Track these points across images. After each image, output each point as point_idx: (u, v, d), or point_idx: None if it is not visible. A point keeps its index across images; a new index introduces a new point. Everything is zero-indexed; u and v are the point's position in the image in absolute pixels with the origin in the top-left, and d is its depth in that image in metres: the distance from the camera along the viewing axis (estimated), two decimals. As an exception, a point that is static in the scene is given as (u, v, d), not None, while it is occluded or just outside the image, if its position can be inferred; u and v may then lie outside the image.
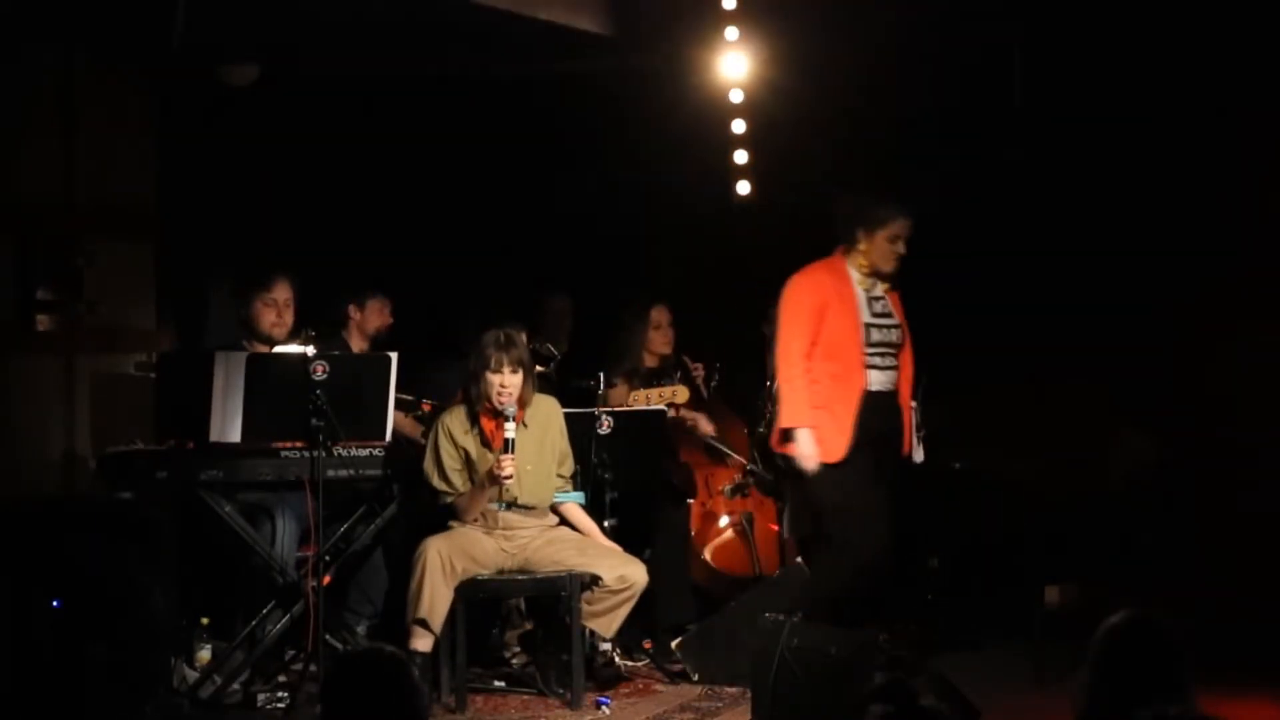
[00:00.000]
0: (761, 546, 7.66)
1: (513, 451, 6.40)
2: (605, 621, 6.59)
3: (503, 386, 6.49)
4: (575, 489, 6.84)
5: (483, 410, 6.57)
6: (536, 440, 6.66)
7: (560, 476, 6.77)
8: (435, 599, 6.37)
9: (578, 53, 7.86)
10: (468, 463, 6.58)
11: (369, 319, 7.65)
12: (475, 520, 6.61)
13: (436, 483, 6.59)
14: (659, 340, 7.82)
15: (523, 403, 6.57)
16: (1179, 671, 3.63)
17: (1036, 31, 7.97)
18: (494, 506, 6.61)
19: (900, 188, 7.04)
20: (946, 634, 7.48)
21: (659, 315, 7.82)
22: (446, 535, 6.54)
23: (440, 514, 6.66)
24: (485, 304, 8.04)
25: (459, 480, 6.58)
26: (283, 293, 7.00)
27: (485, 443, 6.57)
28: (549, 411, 6.76)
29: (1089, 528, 7.82)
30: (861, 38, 7.95)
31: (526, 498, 6.64)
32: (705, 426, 7.77)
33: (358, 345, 7.55)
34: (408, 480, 6.74)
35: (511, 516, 6.65)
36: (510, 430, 6.42)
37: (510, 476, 6.43)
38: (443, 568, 6.38)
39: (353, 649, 6.36)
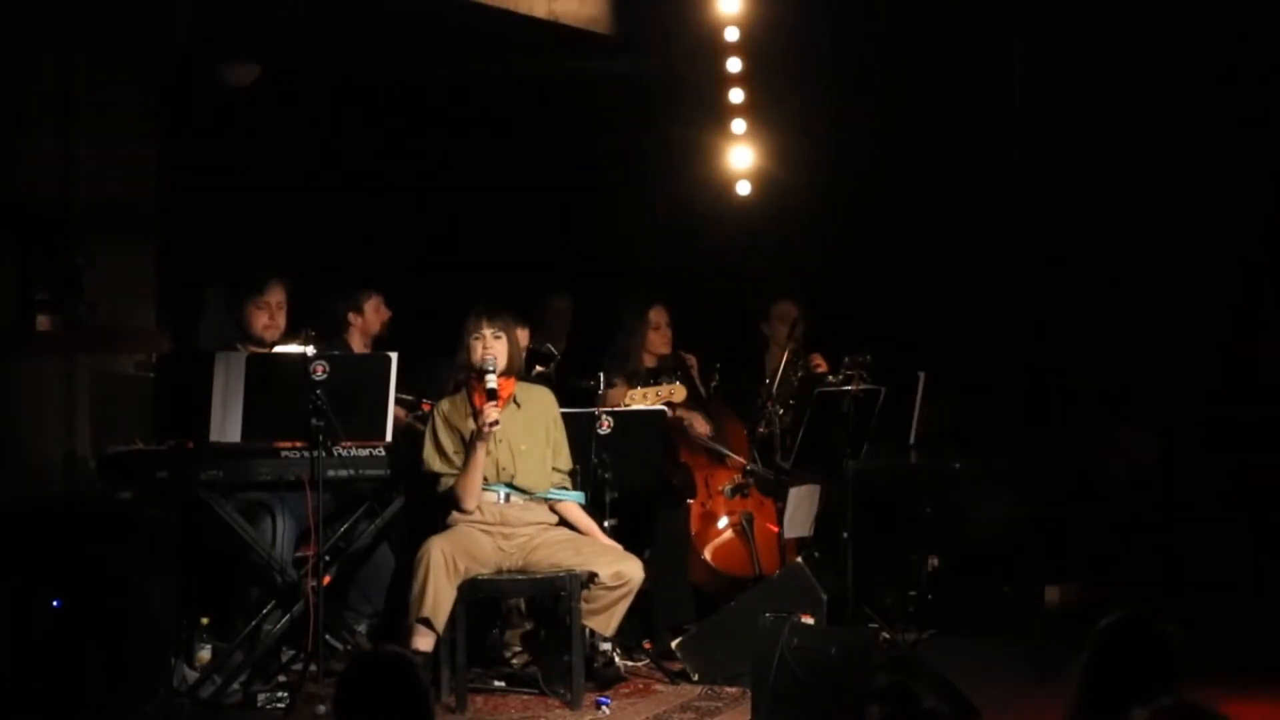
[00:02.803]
0: (761, 546, 7.66)
1: (495, 401, 6.44)
2: (603, 620, 6.59)
3: (485, 349, 6.54)
4: (575, 489, 6.85)
5: (472, 383, 6.60)
6: (528, 422, 6.69)
7: (558, 471, 6.76)
8: (439, 598, 6.37)
9: (578, 53, 7.86)
10: (464, 444, 6.60)
11: (369, 320, 7.63)
12: (475, 508, 6.59)
13: (438, 466, 6.61)
14: (658, 341, 7.82)
15: (510, 372, 6.63)
16: (1174, 670, 3.63)
17: (1036, 31, 7.97)
18: (493, 494, 6.62)
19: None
20: (946, 633, 7.49)
21: (657, 316, 7.82)
22: (448, 534, 6.54)
23: (440, 514, 6.67)
24: (485, 304, 8.03)
25: (460, 462, 6.60)
26: (275, 295, 6.99)
27: (476, 415, 6.58)
28: (542, 399, 6.80)
29: (1089, 528, 7.83)
30: (862, 39, 7.95)
31: (522, 479, 6.65)
32: (700, 427, 7.74)
33: (360, 348, 7.54)
34: (409, 479, 6.75)
35: (511, 511, 6.65)
36: (491, 380, 6.45)
37: (496, 422, 6.44)
38: (446, 566, 6.38)
39: (364, 651, 6.37)
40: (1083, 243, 8.27)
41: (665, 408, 7.29)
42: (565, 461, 6.80)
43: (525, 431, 6.68)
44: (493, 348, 6.57)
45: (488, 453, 6.56)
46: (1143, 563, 7.68)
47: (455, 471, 6.59)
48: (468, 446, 6.57)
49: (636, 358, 7.74)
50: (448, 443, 6.62)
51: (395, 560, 7.12)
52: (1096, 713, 3.58)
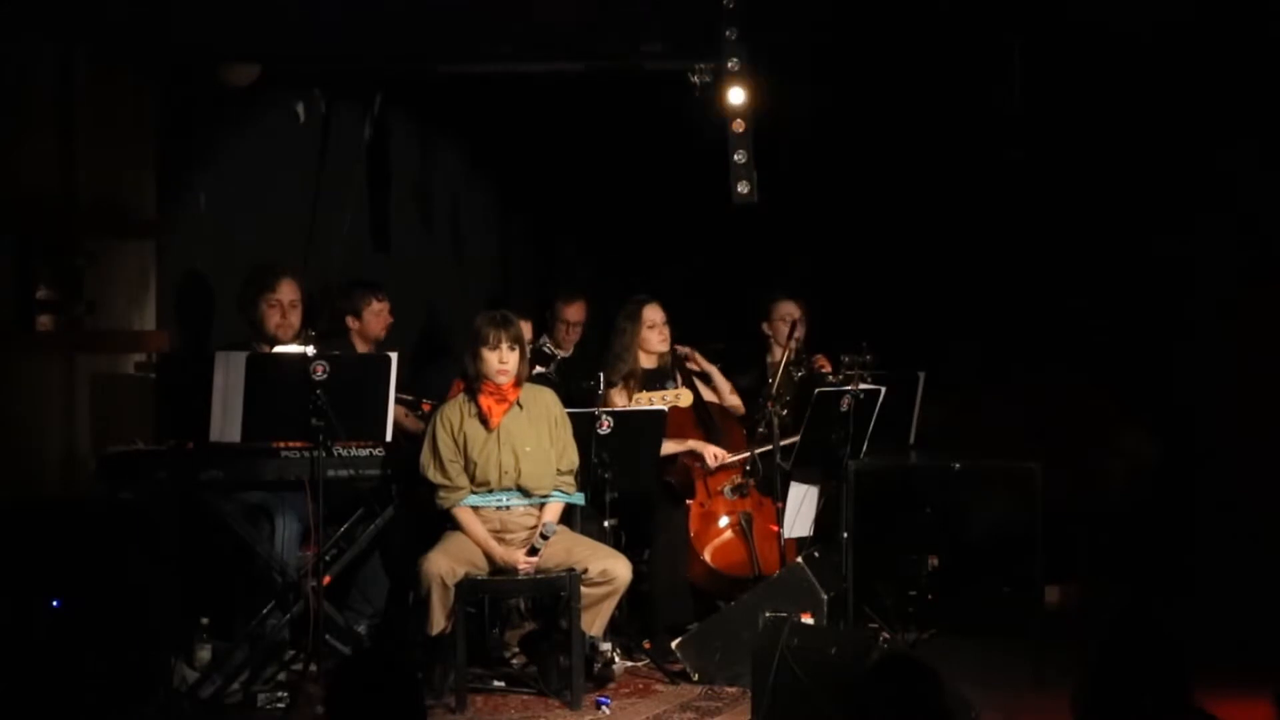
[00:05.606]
0: (761, 546, 7.66)
1: (536, 557, 6.56)
2: (588, 617, 6.60)
3: (501, 363, 6.56)
4: (577, 489, 6.85)
5: (481, 389, 6.61)
6: (532, 422, 6.71)
7: (560, 473, 6.76)
8: (448, 614, 6.44)
9: (579, 53, 7.86)
10: (466, 450, 6.61)
11: (368, 324, 7.58)
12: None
13: (433, 475, 6.61)
14: (655, 339, 7.77)
15: (519, 380, 6.66)
16: (1178, 671, 3.63)
17: (1036, 36, 7.98)
18: (496, 503, 6.64)
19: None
20: (946, 633, 7.49)
21: (652, 314, 7.76)
22: (444, 549, 6.54)
23: (440, 516, 6.67)
24: (487, 304, 8.04)
25: (455, 472, 6.61)
26: (288, 293, 6.99)
27: (484, 421, 6.60)
28: (545, 399, 6.81)
29: (1089, 528, 7.83)
30: (863, 42, 7.95)
31: (527, 480, 6.67)
32: (714, 454, 7.65)
33: (363, 349, 7.51)
34: (408, 480, 6.75)
35: (510, 518, 6.69)
36: (540, 543, 6.53)
37: (528, 573, 6.59)
38: (448, 584, 6.42)
39: (357, 651, 6.38)
40: (1082, 243, 8.28)
41: (665, 409, 7.29)
42: (570, 461, 6.79)
43: (529, 432, 6.69)
44: (508, 361, 6.60)
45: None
46: (1143, 563, 7.68)
47: (447, 483, 6.61)
48: (468, 460, 6.60)
49: (633, 358, 7.72)
50: (445, 449, 6.62)
51: (385, 565, 7.12)
52: (1103, 713, 3.58)
